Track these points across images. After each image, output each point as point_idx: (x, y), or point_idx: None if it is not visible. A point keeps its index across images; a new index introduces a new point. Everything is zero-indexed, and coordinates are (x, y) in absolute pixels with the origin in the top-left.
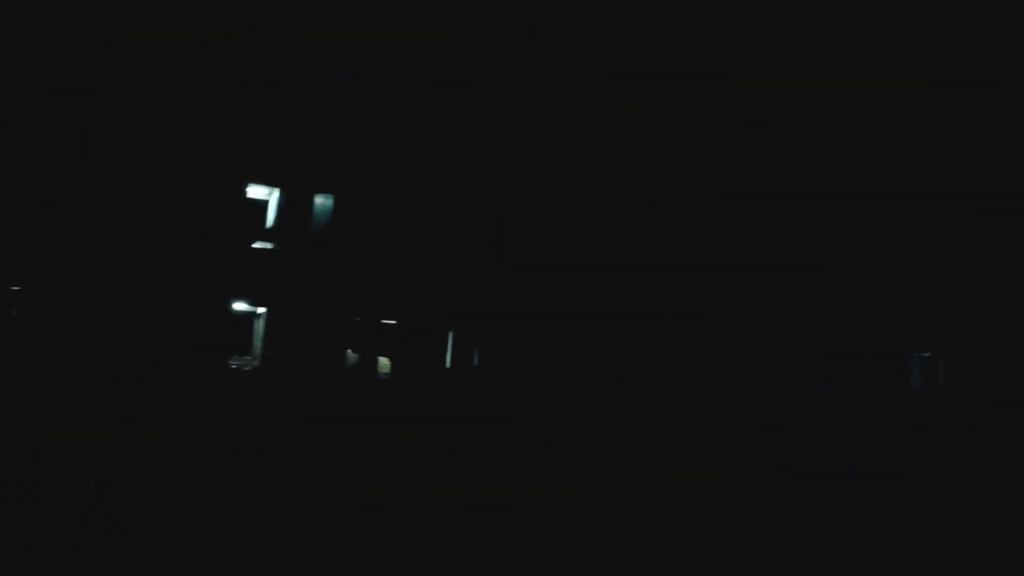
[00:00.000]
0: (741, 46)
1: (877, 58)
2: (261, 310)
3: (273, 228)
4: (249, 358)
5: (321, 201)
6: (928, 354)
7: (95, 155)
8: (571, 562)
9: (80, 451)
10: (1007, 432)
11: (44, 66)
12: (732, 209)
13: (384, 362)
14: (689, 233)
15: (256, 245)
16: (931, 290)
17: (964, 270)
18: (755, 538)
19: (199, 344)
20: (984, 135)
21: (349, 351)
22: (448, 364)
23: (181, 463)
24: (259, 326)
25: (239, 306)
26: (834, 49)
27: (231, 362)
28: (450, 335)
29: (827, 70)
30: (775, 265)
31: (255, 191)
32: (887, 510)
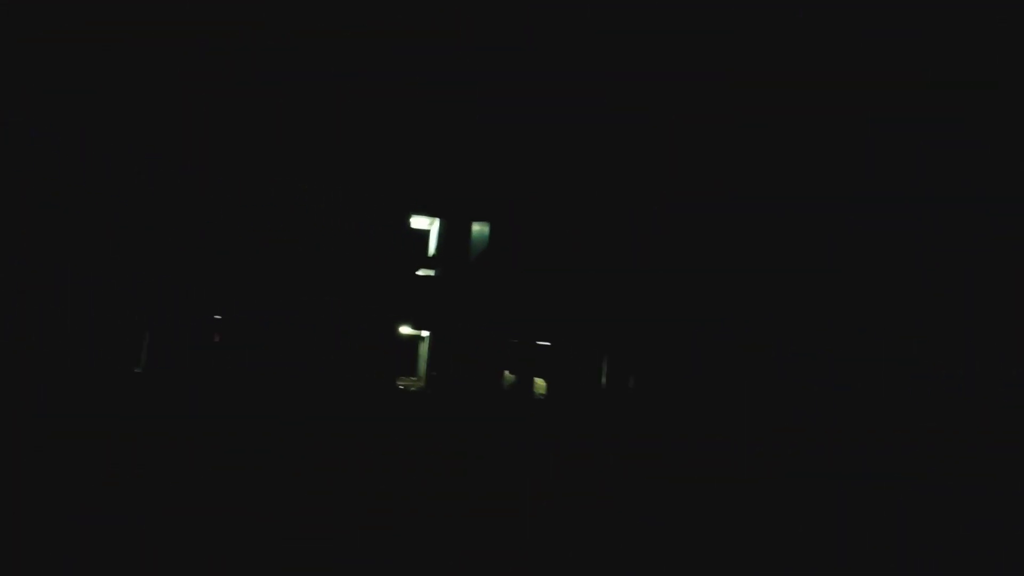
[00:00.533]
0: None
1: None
2: (425, 333)
3: (435, 256)
4: (415, 379)
5: (478, 229)
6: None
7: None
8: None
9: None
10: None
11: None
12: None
13: (540, 383)
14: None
15: (420, 272)
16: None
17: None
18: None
19: (368, 365)
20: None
21: (507, 372)
22: (603, 384)
23: (353, 478)
24: (423, 348)
25: (405, 330)
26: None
27: (398, 382)
28: (605, 357)
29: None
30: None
31: (418, 222)
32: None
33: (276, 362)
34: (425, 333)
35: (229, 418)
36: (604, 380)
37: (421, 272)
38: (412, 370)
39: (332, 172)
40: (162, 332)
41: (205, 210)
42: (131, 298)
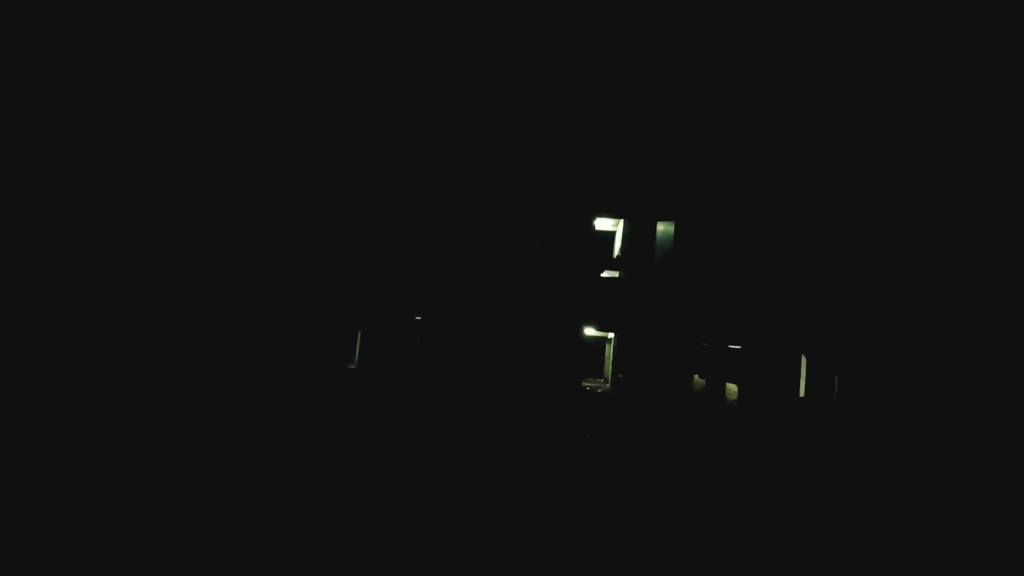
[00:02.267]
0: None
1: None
2: (611, 335)
3: (619, 257)
4: (601, 380)
5: (663, 228)
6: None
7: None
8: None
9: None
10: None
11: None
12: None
13: (731, 388)
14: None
15: (605, 274)
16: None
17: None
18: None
19: (556, 367)
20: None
21: (696, 376)
22: (802, 392)
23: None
24: (609, 351)
25: (590, 332)
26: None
27: (585, 384)
28: (803, 360)
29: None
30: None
31: (603, 223)
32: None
33: (470, 363)
34: (611, 335)
35: (429, 412)
36: (802, 387)
37: (606, 274)
38: (598, 372)
39: (515, 177)
40: (371, 332)
41: (406, 228)
42: (345, 302)
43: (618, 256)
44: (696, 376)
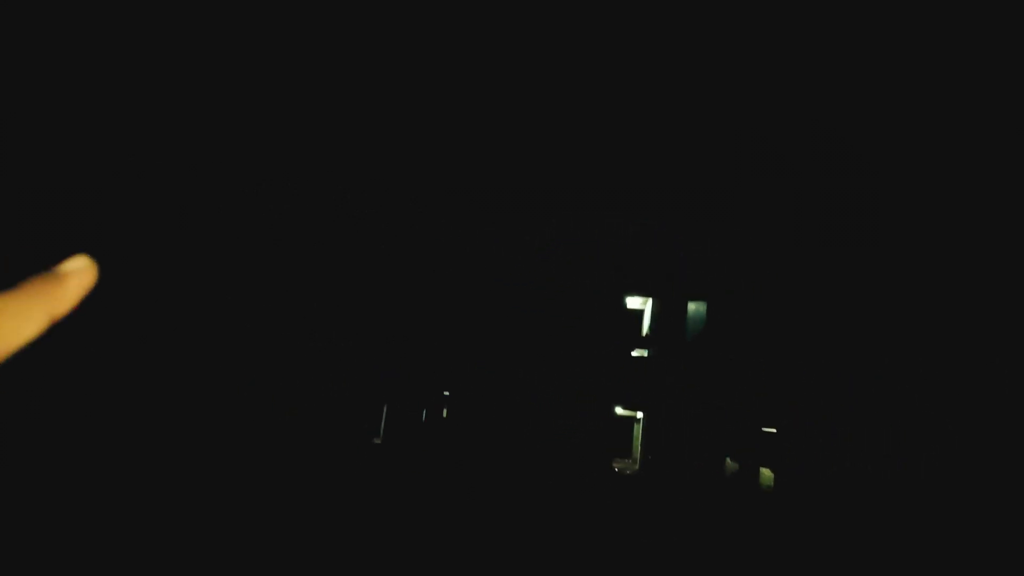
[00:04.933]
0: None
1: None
2: (639, 415)
3: (649, 336)
4: (629, 461)
5: (695, 308)
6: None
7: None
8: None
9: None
10: None
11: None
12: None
13: (766, 474)
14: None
15: (634, 353)
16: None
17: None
18: None
19: (583, 446)
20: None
21: (728, 459)
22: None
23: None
24: (638, 431)
25: (619, 411)
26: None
27: (613, 465)
28: (841, 447)
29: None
30: None
31: (633, 301)
32: None
33: (493, 439)
34: (640, 415)
35: (453, 489)
36: (838, 474)
37: (635, 353)
38: (627, 452)
39: (544, 255)
40: (397, 407)
41: (434, 309)
42: (372, 376)
43: (647, 334)
44: (728, 459)
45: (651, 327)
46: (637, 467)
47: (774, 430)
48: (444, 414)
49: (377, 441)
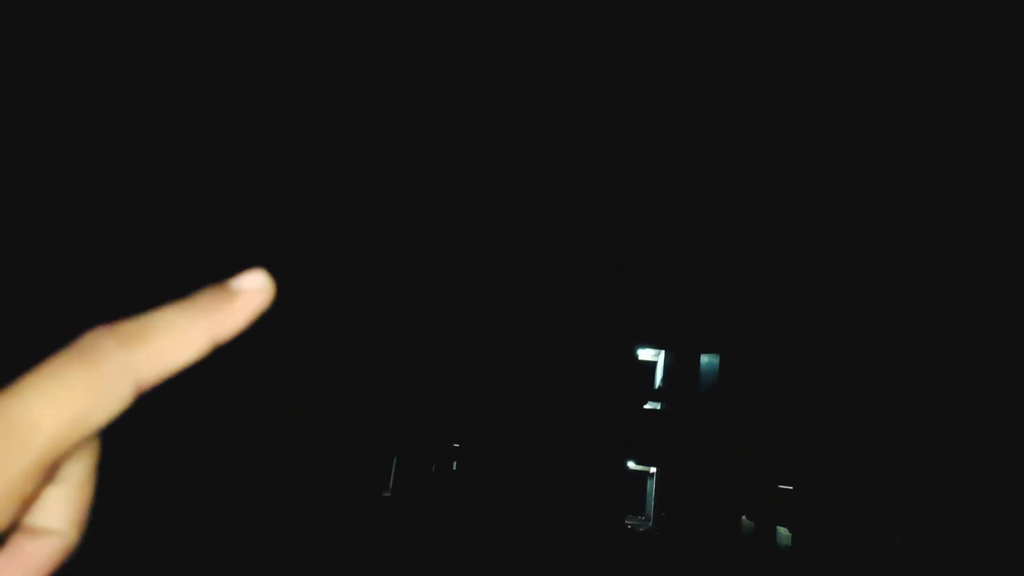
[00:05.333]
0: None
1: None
2: (653, 470)
3: (661, 388)
4: (642, 518)
5: (708, 360)
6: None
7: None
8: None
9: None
10: None
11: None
12: None
13: (784, 532)
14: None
15: (647, 406)
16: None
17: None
18: None
19: (597, 503)
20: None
21: (744, 517)
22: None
23: None
24: (651, 486)
25: (632, 465)
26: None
27: (626, 521)
28: (863, 506)
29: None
30: None
31: (644, 354)
32: None
33: (505, 492)
34: (653, 470)
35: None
36: (860, 534)
37: (648, 406)
38: (640, 508)
39: (558, 303)
40: (407, 460)
41: (447, 364)
42: (379, 429)
43: (659, 387)
44: (744, 517)
45: (663, 379)
46: (650, 524)
47: (791, 487)
48: (454, 467)
49: (387, 494)
